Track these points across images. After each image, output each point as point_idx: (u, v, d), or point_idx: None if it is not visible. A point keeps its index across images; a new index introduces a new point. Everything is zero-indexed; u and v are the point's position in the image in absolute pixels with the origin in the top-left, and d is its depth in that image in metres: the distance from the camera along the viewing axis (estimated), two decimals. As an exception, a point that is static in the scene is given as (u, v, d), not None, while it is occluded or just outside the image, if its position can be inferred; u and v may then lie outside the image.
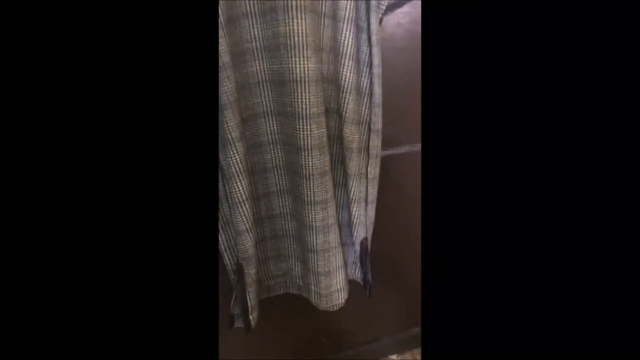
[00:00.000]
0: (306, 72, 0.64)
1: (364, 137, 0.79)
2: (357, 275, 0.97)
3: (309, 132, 0.69)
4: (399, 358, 1.29)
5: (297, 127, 0.68)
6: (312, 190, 0.74)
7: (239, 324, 0.85)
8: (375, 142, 0.79)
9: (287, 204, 0.83)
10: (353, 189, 0.82)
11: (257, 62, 0.68)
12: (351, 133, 0.76)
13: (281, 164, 0.78)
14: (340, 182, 0.85)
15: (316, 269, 0.83)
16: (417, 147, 0.95)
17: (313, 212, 0.76)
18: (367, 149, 0.80)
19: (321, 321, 1.13)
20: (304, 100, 0.66)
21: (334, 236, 0.81)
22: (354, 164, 0.79)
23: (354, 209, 0.84)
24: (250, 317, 0.83)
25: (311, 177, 0.73)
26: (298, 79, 0.64)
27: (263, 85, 0.69)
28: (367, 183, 0.83)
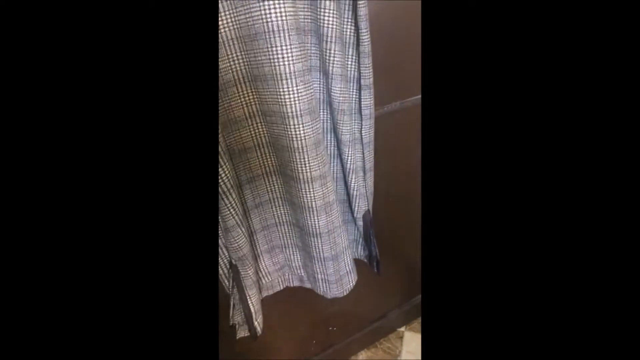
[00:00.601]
0: (284, 17, 0.52)
1: (354, 95, 0.68)
2: (361, 253, 0.89)
3: (296, 95, 0.57)
4: (407, 329, 1.24)
5: (280, 90, 0.56)
6: (307, 165, 0.63)
7: (243, 333, 0.74)
8: (368, 100, 0.69)
9: (276, 186, 0.71)
10: (349, 157, 0.71)
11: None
12: (341, 92, 0.65)
13: (264, 141, 0.66)
14: (333, 152, 0.74)
15: (321, 254, 0.73)
16: (408, 102, 0.85)
17: (312, 190, 0.65)
18: (360, 109, 0.70)
19: (324, 309, 1.03)
20: (284, 55, 0.54)
21: (337, 214, 0.71)
22: (346, 128, 0.69)
23: (352, 180, 0.74)
24: (256, 322, 0.71)
25: (305, 149, 0.61)
26: (274, 29, 0.52)
27: (232, 44, 0.56)
28: (362, 149, 0.73)
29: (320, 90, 0.66)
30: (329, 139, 0.72)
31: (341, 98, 0.65)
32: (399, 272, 1.16)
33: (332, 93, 0.65)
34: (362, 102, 0.69)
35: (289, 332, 1.01)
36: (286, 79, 0.55)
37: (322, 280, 0.78)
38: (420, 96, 0.87)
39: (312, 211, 0.67)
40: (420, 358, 1.14)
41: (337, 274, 0.77)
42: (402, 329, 1.24)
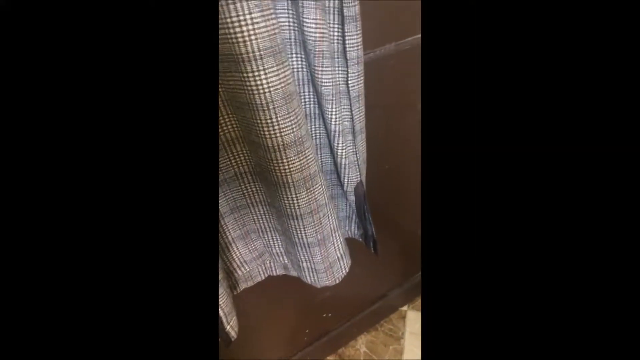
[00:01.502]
0: None
1: (336, 30, 0.52)
2: (355, 231, 0.75)
3: (252, 30, 0.40)
4: (410, 307, 1.13)
5: (230, 22, 0.40)
6: (276, 127, 0.47)
7: (214, 339, 0.60)
8: (354, 37, 0.53)
9: (242, 158, 0.56)
10: (333, 116, 0.56)
11: None
12: (317, 25, 0.48)
13: (222, 98, 0.50)
14: (312, 110, 0.58)
15: (305, 239, 0.59)
16: (405, 44, 0.69)
17: (285, 160, 0.50)
18: (344, 51, 0.53)
19: (316, 295, 0.91)
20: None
21: (321, 189, 0.56)
22: (328, 77, 0.53)
23: (339, 145, 0.59)
24: (228, 327, 0.58)
25: (270, 105, 0.46)
26: None
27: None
28: (350, 104, 0.57)
29: (289, 25, 0.49)
30: (305, 92, 0.56)
31: (317, 34, 0.49)
32: (398, 248, 1.04)
33: (305, 28, 0.48)
34: (347, 41, 0.52)
35: (278, 323, 0.89)
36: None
37: (308, 268, 0.64)
38: (420, 36, 0.70)
39: (288, 187, 0.53)
40: (425, 339, 1.04)
41: (326, 260, 0.63)
42: (405, 307, 1.13)
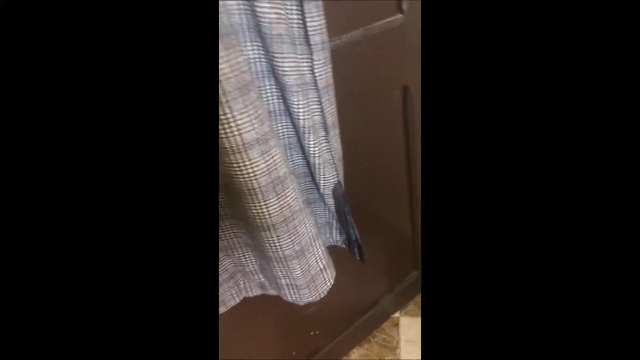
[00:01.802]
0: None
1: (294, 12, 0.45)
2: (336, 238, 0.68)
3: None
4: (402, 314, 1.07)
5: None
6: (232, 124, 0.40)
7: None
8: (316, 18, 0.46)
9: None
10: (300, 109, 0.49)
11: None
12: (272, 6, 0.42)
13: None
14: (277, 106, 0.51)
15: (280, 252, 0.52)
16: (373, 29, 0.63)
17: (248, 162, 0.43)
18: (306, 35, 0.47)
19: (300, 311, 0.83)
20: None
21: (294, 194, 0.49)
22: (290, 65, 0.46)
23: (310, 142, 0.52)
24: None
25: (224, 99, 0.39)
26: None
27: None
28: (318, 95, 0.51)
29: (238, 8, 0.43)
30: (266, 85, 0.49)
31: (272, 15, 0.42)
32: (386, 250, 0.97)
33: (258, 9, 0.42)
34: (308, 23, 0.46)
35: (260, 347, 0.80)
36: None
37: (288, 285, 0.57)
38: (391, 19, 0.65)
39: (255, 194, 0.46)
40: (420, 343, 0.98)
41: (307, 274, 0.56)
42: (397, 314, 1.06)
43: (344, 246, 0.69)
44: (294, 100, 0.49)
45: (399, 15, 0.66)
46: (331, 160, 0.56)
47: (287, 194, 0.48)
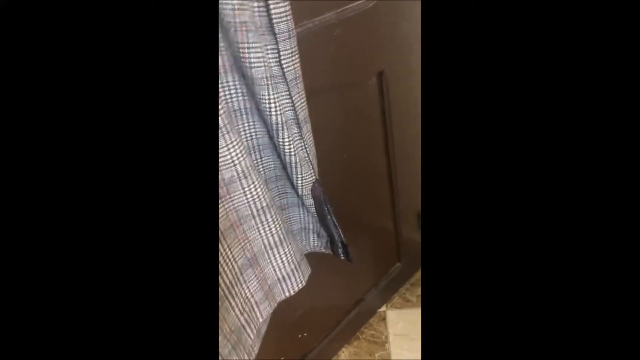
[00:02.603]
0: None
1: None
2: (313, 244, 0.64)
3: None
4: (388, 307, 1.05)
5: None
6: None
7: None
8: (280, 5, 0.42)
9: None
10: (271, 104, 0.45)
11: None
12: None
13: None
14: (242, 105, 0.47)
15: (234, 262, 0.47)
16: (348, 10, 0.58)
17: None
18: (269, 22, 0.42)
19: (288, 316, 0.80)
20: None
21: (242, 197, 0.46)
22: (256, 56, 0.42)
23: (284, 138, 0.48)
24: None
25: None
26: None
27: None
28: (288, 88, 0.46)
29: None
30: (229, 81, 0.44)
31: (235, 0, 0.37)
32: (369, 245, 0.95)
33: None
34: (272, 10, 0.41)
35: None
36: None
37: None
38: (364, 0, 0.60)
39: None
40: (409, 337, 0.96)
41: (264, 285, 0.52)
42: (383, 308, 1.04)
43: (324, 251, 0.65)
44: (264, 95, 0.44)
45: (371, -3, 0.62)
46: (307, 158, 0.51)
47: (234, 197, 0.44)
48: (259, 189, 0.46)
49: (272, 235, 0.50)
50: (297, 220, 0.59)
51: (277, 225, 0.50)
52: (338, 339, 0.94)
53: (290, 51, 0.45)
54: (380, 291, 1.03)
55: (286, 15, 0.43)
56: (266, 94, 0.44)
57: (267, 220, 0.48)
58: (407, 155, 0.90)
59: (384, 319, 1.01)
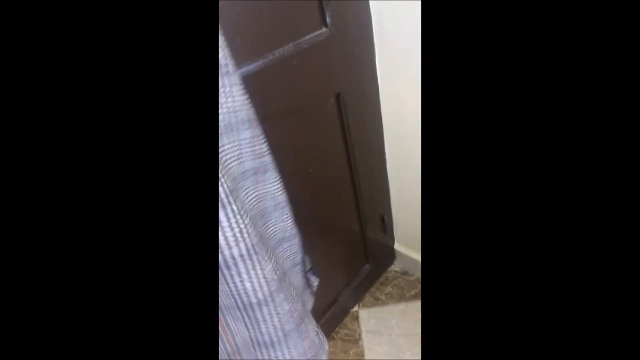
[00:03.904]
0: None
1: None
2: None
3: None
4: (360, 306, 1.12)
5: None
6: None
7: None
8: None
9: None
10: (233, 153, 0.49)
11: None
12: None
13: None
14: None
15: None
16: (303, 43, 0.64)
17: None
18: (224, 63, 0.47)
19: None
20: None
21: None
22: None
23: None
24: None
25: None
26: None
27: None
28: (251, 133, 0.51)
29: None
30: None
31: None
32: (340, 247, 1.01)
33: None
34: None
35: None
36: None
37: None
38: (318, 32, 0.66)
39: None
40: (380, 333, 1.03)
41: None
42: (356, 308, 1.11)
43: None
44: (225, 143, 0.47)
45: (324, 29, 0.68)
46: (290, 229, 0.55)
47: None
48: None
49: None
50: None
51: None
52: (314, 341, 1.00)
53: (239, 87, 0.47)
54: (352, 292, 1.09)
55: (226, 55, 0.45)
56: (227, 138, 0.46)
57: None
58: (368, 165, 0.97)
59: (356, 318, 1.08)
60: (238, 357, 0.53)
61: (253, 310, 0.46)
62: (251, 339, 0.49)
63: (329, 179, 0.89)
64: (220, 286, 0.44)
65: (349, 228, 1.03)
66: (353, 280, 1.10)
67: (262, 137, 0.48)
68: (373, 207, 1.06)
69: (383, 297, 1.13)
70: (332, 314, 1.03)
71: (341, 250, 1.03)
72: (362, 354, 0.99)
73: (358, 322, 1.07)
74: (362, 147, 0.91)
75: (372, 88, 0.87)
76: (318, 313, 1.00)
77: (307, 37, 0.65)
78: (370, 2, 0.75)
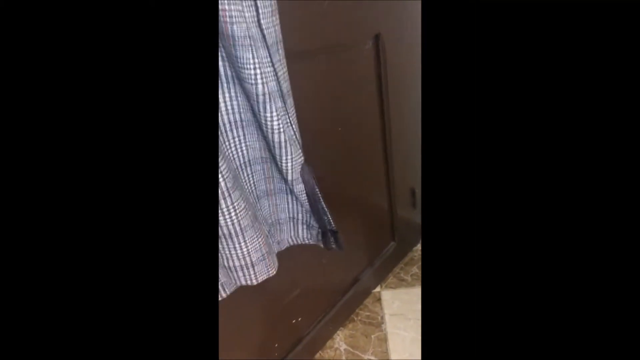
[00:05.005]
0: None
1: None
2: (303, 235, 0.58)
3: None
4: (383, 287, 1.01)
5: None
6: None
7: None
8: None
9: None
10: (256, 70, 0.37)
11: None
12: None
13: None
14: (222, 72, 0.39)
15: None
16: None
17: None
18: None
19: (281, 299, 0.75)
20: None
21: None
22: (237, 9, 0.34)
23: (272, 112, 0.41)
24: None
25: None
26: None
27: None
28: (269, 53, 0.39)
29: None
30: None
31: None
32: (364, 223, 0.89)
33: None
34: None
35: (241, 343, 0.71)
36: None
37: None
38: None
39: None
40: (405, 316, 0.93)
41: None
42: (378, 289, 1.01)
43: (311, 242, 0.58)
44: (248, 59, 0.36)
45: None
46: (294, 137, 0.44)
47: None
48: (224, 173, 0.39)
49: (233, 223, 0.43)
50: (285, 208, 0.53)
51: (240, 214, 0.43)
52: (333, 322, 0.90)
53: (269, 11, 0.37)
54: (375, 271, 0.99)
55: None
56: (249, 56, 0.36)
57: (227, 206, 0.41)
58: (402, 125, 0.83)
59: (379, 300, 0.98)
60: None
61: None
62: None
63: (358, 139, 0.75)
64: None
65: (375, 200, 0.91)
66: (376, 259, 0.99)
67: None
68: (404, 177, 0.93)
69: (408, 278, 1.03)
70: (353, 294, 0.93)
71: (365, 225, 0.91)
72: (385, 339, 0.89)
73: (380, 304, 0.97)
74: (397, 104, 0.77)
75: (415, 35, 0.72)
76: (337, 293, 0.90)
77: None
78: None
